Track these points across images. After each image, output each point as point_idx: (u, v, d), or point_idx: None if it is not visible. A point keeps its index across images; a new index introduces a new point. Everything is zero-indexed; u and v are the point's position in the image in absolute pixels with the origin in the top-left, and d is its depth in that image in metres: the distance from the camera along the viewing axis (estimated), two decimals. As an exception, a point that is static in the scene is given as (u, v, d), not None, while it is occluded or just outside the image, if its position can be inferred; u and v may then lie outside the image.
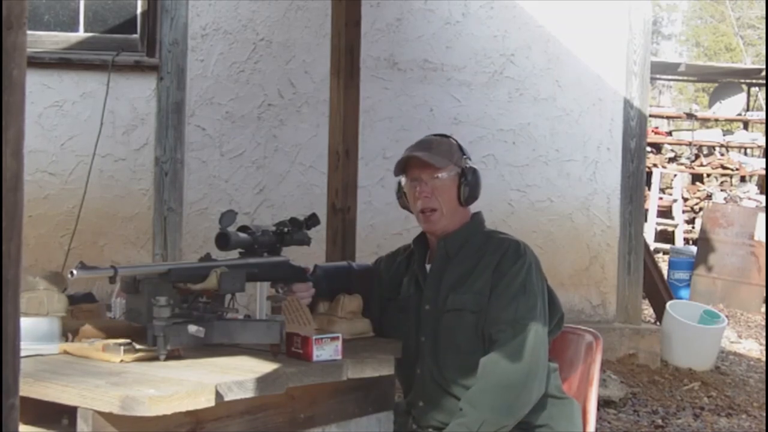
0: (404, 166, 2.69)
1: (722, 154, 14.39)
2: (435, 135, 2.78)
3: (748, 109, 16.39)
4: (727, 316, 7.25)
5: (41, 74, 5.26)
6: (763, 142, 14.44)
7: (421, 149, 2.68)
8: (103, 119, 5.28)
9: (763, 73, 15.12)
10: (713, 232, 9.21)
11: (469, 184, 2.65)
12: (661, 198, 12.09)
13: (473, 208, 2.75)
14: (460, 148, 2.72)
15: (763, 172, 13.19)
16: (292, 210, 5.04)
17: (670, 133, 15.35)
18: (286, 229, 2.53)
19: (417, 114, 5.83)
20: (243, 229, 2.48)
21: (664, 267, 9.11)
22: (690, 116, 15.18)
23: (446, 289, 2.62)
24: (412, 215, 2.76)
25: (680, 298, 8.17)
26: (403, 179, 2.72)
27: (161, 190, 5.43)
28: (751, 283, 8.82)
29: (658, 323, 6.77)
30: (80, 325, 2.46)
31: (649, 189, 11.24)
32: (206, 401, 1.93)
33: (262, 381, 2.07)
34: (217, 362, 2.19)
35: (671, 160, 14.00)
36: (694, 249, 9.63)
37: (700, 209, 12.49)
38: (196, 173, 5.51)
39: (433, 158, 2.64)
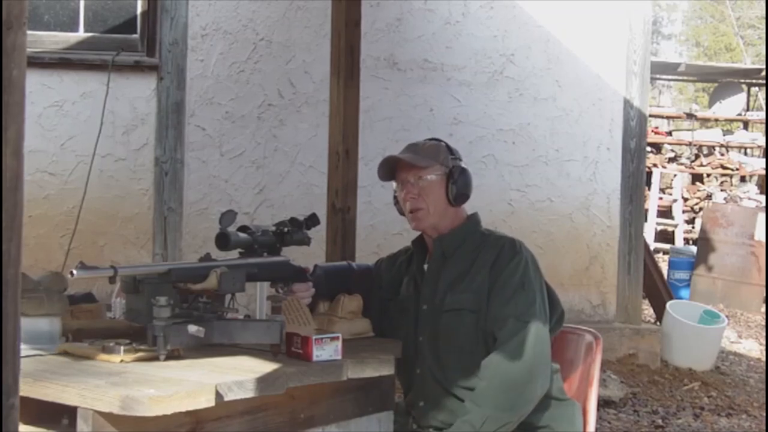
0: (392, 172, 2.69)
1: (722, 154, 14.39)
2: (426, 139, 2.80)
3: (748, 109, 16.38)
4: (727, 316, 7.25)
5: (41, 74, 5.25)
6: (763, 142, 14.44)
7: (406, 151, 2.70)
8: (103, 119, 5.28)
9: (763, 73, 15.12)
10: (713, 232, 9.21)
11: (456, 183, 2.65)
12: (661, 198, 12.08)
13: (471, 208, 2.75)
14: (450, 149, 2.72)
15: (763, 172, 13.19)
16: (292, 210, 5.04)
17: (670, 133, 15.35)
18: (286, 229, 2.53)
19: (417, 114, 5.83)
20: (243, 229, 2.48)
21: (664, 267, 9.11)
22: (690, 116, 15.17)
23: (443, 289, 2.63)
24: (410, 217, 2.77)
25: (680, 298, 8.17)
26: (394, 185, 2.73)
27: (161, 190, 5.43)
28: (751, 283, 8.81)
29: (658, 323, 6.77)
30: (80, 325, 2.46)
31: (649, 189, 11.23)
32: (206, 401, 1.93)
33: (262, 381, 2.07)
34: (217, 362, 2.19)
35: (671, 160, 14.00)
36: (694, 249, 9.63)
37: (700, 209, 12.48)
38: (196, 173, 5.51)
39: (415, 159, 2.65)
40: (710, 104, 16.25)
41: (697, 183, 13.99)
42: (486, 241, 2.67)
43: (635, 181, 6.23)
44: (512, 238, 2.66)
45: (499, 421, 2.44)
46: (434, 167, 2.66)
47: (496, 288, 2.56)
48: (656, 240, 11.39)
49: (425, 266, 2.72)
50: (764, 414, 5.47)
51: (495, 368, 2.48)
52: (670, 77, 18.17)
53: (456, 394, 2.58)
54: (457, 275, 2.63)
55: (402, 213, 2.78)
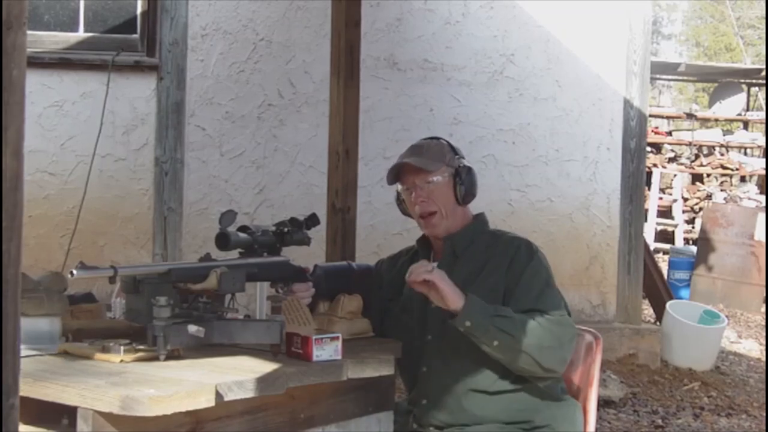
0: (398, 174, 2.69)
1: (722, 154, 14.39)
2: (426, 138, 2.80)
3: (748, 109, 16.38)
4: (727, 316, 7.25)
5: (41, 74, 5.25)
6: (763, 142, 14.44)
7: (413, 155, 2.69)
8: (103, 119, 5.28)
9: (763, 73, 15.12)
10: (713, 232, 9.21)
11: (464, 182, 2.66)
12: (661, 198, 12.09)
13: (474, 208, 2.76)
14: (453, 148, 2.73)
15: (763, 172, 13.19)
16: (292, 210, 5.04)
17: (670, 133, 15.35)
18: (286, 229, 2.53)
19: (417, 114, 5.83)
20: (243, 229, 2.48)
21: (664, 267, 9.10)
22: (690, 116, 15.17)
23: (454, 288, 2.62)
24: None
25: (680, 298, 8.17)
26: (399, 187, 2.73)
27: (161, 190, 5.43)
28: (751, 283, 8.81)
29: (658, 323, 6.77)
30: (80, 325, 2.46)
31: (649, 189, 11.23)
32: (206, 401, 1.93)
33: (262, 381, 2.07)
34: (217, 362, 2.19)
35: (671, 160, 14.00)
36: (694, 249, 9.63)
37: (700, 209, 12.48)
38: (196, 173, 5.51)
39: (424, 162, 2.65)
40: (710, 104, 16.26)
41: (697, 183, 13.99)
42: (498, 241, 2.67)
43: (635, 181, 6.23)
44: (527, 239, 2.68)
45: (510, 336, 2.43)
46: (441, 169, 2.66)
47: (521, 288, 2.55)
48: (656, 240, 11.39)
49: (434, 264, 2.72)
50: (764, 414, 5.47)
51: (533, 326, 2.46)
52: (670, 77, 18.18)
53: (460, 394, 2.58)
54: (468, 275, 2.62)
55: (405, 213, 2.78)
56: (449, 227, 2.68)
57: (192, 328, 2.18)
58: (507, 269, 2.58)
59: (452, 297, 2.43)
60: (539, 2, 6.00)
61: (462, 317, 2.43)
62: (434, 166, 2.65)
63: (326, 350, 2.27)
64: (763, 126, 15.51)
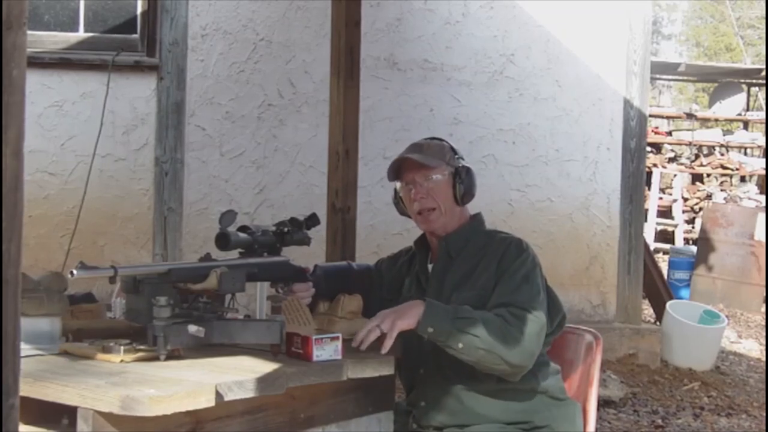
0: (398, 171, 2.70)
1: (722, 154, 14.39)
2: (426, 138, 2.80)
3: (748, 109, 16.38)
4: (727, 316, 7.25)
5: (41, 74, 5.26)
6: (763, 142, 14.44)
7: (414, 152, 2.69)
8: (103, 119, 5.28)
9: (763, 73, 15.12)
10: (713, 232, 9.21)
11: (463, 182, 2.66)
12: (661, 198, 12.09)
13: (473, 207, 2.76)
14: (452, 148, 2.74)
15: (763, 172, 13.19)
16: (292, 210, 5.04)
17: (670, 133, 15.35)
18: (286, 229, 2.53)
19: (417, 114, 5.83)
20: (243, 229, 2.48)
21: (664, 267, 9.10)
22: (690, 116, 15.17)
23: (449, 289, 2.63)
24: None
25: (680, 298, 8.17)
26: (398, 185, 2.73)
27: (161, 190, 5.43)
28: (751, 283, 8.81)
29: (658, 323, 6.77)
30: (80, 325, 2.46)
31: (649, 189, 11.23)
32: (206, 401, 1.93)
33: (262, 381, 2.07)
34: (217, 362, 2.19)
35: (671, 160, 14.00)
36: (694, 249, 9.63)
37: (700, 209, 12.48)
38: (196, 173, 5.51)
39: (426, 159, 2.66)
40: (710, 104, 16.26)
41: (697, 183, 13.99)
42: (492, 240, 2.67)
43: (635, 181, 6.23)
44: (518, 238, 2.67)
45: (474, 337, 2.40)
46: (442, 167, 2.67)
47: (501, 283, 2.55)
48: (656, 240, 11.39)
49: (429, 266, 2.72)
50: (764, 414, 5.47)
51: (495, 323, 2.43)
52: (670, 77, 18.17)
53: (457, 395, 2.58)
54: (463, 275, 2.63)
55: (402, 213, 2.78)
56: (446, 225, 2.68)
57: (192, 328, 2.18)
58: (496, 267, 2.59)
59: (408, 320, 2.41)
60: (539, 2, 6.00)
61: (423, 324, 2.42)
62: (435, 162, 2.66)
63: (326, 350, 2.27)
64: (763, 126, 15.51)
